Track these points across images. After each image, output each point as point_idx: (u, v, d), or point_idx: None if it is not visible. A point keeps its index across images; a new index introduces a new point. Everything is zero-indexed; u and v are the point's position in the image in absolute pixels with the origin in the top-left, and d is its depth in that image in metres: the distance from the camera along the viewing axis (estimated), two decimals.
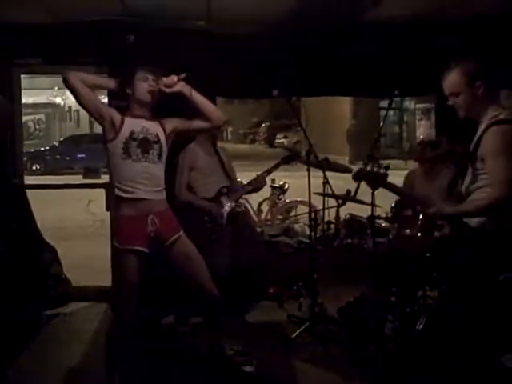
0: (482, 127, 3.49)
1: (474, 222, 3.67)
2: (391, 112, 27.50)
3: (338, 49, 5.80)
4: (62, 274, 5.94)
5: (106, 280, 5.60)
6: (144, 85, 3.88)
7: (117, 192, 3.83)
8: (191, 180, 5.32)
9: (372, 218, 4.85)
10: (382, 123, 5.00)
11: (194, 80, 5.77)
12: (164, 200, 3.98)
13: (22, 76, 6.15)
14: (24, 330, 5.02)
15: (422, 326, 4.39)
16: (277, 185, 9.07)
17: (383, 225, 5.48)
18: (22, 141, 6.43)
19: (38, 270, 5.67)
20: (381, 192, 5.03)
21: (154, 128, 3.93)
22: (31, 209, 6.02)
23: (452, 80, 3.58)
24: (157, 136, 3.90)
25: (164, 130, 3.96)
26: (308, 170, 5.08)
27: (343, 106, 25.42)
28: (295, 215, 8.00)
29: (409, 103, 27.39)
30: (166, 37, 5.68)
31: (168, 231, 3.91)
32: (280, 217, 8.76)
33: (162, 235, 3.88)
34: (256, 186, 5.40)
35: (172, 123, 4.03)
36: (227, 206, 5.26)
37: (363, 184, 4.84)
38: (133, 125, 3.84)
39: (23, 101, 6.39)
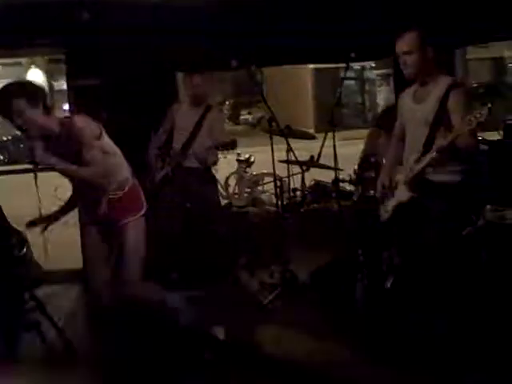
0: (439, 88, 3.87)
1: (437, 177, 3.89)
2: (353, 82, 27.59)
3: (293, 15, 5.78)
4: (32, 257, 5.91)
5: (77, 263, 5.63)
6: None
7: None
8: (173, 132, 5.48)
9: (336, 181, 4.91)
10: (339, 90, 5.01)
11: (151, 56, 5.83)
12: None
13: None
14: None
15: (389, 284, 4.50)
16: (242, 158, 9.09)
17: (348, 188, 5.56)
18: None
19: (6, 254, 5.63)
20: (343, 155, 5.12)
21: None
22: None
23: (407, 39, 3.92)
24: None
25: None
26: (271, 139, 5.11)
27: (305, 77, 25.46)
28: (262, 185, 8.02)
29: (370, 73, 27.51)
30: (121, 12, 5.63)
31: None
32: (248, 190, 8.80)
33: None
34: (197, 158, 5.39)
35: None
36: (162, 171, 5.39)
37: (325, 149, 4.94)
38: None
39: None
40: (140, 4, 5.61)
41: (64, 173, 3.66)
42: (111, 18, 5.61)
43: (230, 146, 5.20)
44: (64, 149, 3.59)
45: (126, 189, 3.82)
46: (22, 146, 23.80)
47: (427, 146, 3.88)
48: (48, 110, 3.55)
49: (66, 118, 3.71)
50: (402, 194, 4.05)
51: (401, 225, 4.19)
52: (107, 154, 3.70)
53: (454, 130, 3.66)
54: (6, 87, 3.49)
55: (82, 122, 3.59)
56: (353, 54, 4.34)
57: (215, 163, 5.51)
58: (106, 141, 3.74)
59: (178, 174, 5.42)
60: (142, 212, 3.87)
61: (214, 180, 5.74)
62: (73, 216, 4.08)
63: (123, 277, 3.78)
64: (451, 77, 4.00)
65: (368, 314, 4.52)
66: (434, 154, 3.76)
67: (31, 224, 3.92)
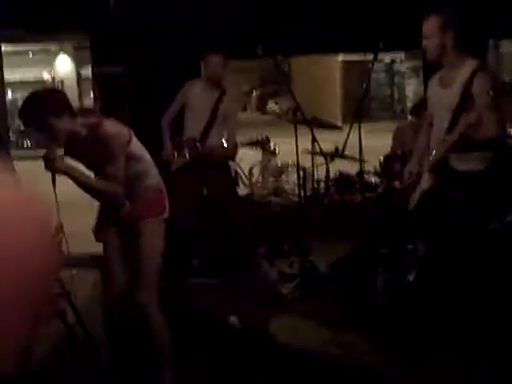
0: (464, 73, 3.78)
1: (462, 166, 3.82)
2: (382, 75, 27.35)
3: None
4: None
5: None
6: None
7: None
8: (184, 114, 5.35)
9: (361, 173, 4.84)
10: (365, 84, 4.88)
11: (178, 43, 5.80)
12: None
13: (10, 54, 6.09)
14: None
15: (412, 278, 4.42)
16: (268, 148, 9.03)
17: (372, 180, 5.49)
18: (5, 114, 6.36)
19: None
20: (369, 147, 5.04)
21: None
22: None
23: (427, 24, 3.90)
24: None
25: None
26: (295, 129, 5.05)
27: (333, 69, 25.28)
28: (286, 175, 7.96)
29: (399, 65, 27.24)
30: None
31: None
32: (272, 180, 8.74)
33: None
34: (221, 153, 5.32)
35: None
36: (181, 159, 5.28)
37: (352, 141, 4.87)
38: None
39: (12, 78, 6.36)
40: None
41: (81, 185, 3.47)
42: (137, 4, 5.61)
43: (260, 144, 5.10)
44: (87, 153, 3.47)
45: (151, 193, 3.67)
46: None
47: (450, 132, 3.79)
48: (73, 114, 3.38)
49: (94, 122, 3.45)
50: (425, 181, 3.96)
51: (424, 215, 4.12)
52: (135, 159, 3.54)
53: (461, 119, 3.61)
54: (29, 105, 3.31)
55: (113, 128, 3.40)
56: (381, 44, 4.23)
57: (235, 155, 5.45)
58: (135, 145, 3.58)
59: (195, 163, 5.32)
60: (164, 216, 3.69)
61: (229, 169, 5.62)
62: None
63: (135, 279, 3.59)
64: (476, 60, 3.87)
65: (388, 308, 4.45)
66: (454, 137, 3.67)
67: None
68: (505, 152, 4.71)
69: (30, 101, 3.32)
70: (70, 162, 3.45)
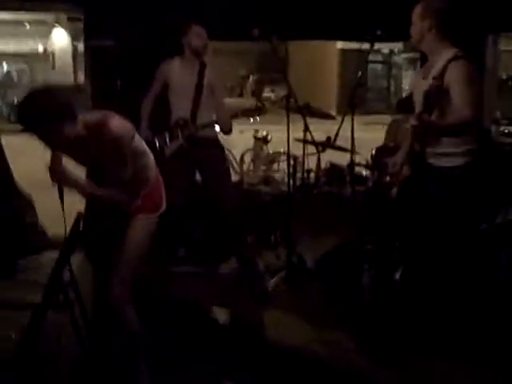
0: (441, 61, 3.76)
1: (438, 162, 3.81)
2: (379, 66, 27.24)
3: None
4: (37, 221, 5.81)
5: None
6: None
7: None
8: (168, 96, 5.14)
9: (351, 165, 4.73)
10: (360, 72, 4.79)
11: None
12: None
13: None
14: None
15: (399, 275, 4.34)
16: (260, 135, 8.89)
17: (363, 172, 5.38)
18: None
19: (12, 217, 5.53)
20: (363, 140, 4.94)
21: None
22: (5, 155, 5.87)
23: (414, 10, 3.91)
24: None
25: None
26: (287, 116, 4.91)
27: (331, 58, 25.14)
28: (277, 164, 7.84)
29: (398, 57, 27.12)
30: None
31: None
32: (263, 168, 8.62)
33: None
34: (220, 125, 5.08)
35: None
36: (175, 142, 5.08)
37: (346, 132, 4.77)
38: None
39: (7, 49, 6.21)
40: None
41: (87, 195, 3.34)
42: None
43: (257, 112, 4.94)
44: (88, 154, 3.27)
45: (150, 186, 3.54)
46: None
47: None
48: (75, 114, 3.11)
49: (97, 121, 3.21)
50: (405, 171, 3.95)
51: (406, 209, 4.08)
52: (139, 154, 3.40)
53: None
54: (28, 109, 3.00)
55: (120, 128, 3.18)
56: (379, 32, 4.11)
57: (231, 130, 5.20)
58: (138, 139, 3.43)
59: (190, 143, 5.11)
60: (158, 213, 3.57)
61: (223, 150, 5.39)
62: None
63: (115, 274, 3.46)
64: (455, 49, 3.80)
65: (374, 305, 4.37)
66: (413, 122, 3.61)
67: None
68: (488, 146, 4.65)
69: (28, 104, 3.02)
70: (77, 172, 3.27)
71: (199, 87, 5.05)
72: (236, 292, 4.81)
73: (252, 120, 5.26)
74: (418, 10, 3.88)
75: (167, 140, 5.13)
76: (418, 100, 3.86)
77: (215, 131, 5.18)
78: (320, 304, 4.56)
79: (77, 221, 3.18)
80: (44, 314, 3.18)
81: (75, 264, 4.62)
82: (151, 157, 3.59)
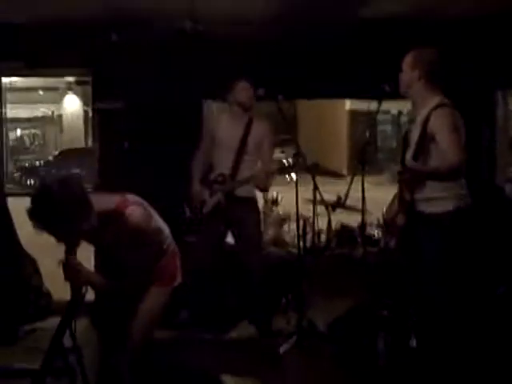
0: (426, 109, 3.79)
1: (430, 207, 3.76)
2: (389, 127, 27.35)
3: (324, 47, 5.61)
4: (42, 286, 5.70)
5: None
6: None
7: None
8: (212, 153, 5.05)
9: (362, 226, 4.62)
10: (368, 132, 4.80)
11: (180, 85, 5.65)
12: None
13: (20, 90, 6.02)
14: None
15: (415, 343, 4.17)
16: (269, 197, 8.82)
17: (375, 233, 5.25)
18: (1, 144, 6.22)
19: (18, 282, 5.44)
20: (374, 199, 4.82)
21: None
22: (11, 218, 5.81)
23: (403, 59, 3.93)
24: None
25: None
26: (296, 175, 4.82)
27: (340, 119, 25.27)
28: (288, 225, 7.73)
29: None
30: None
31: None
32: (273, 229, 8.51)
33: None
34: (256, 182, 4.95)
35: None
36: (214, 198, 4.93)
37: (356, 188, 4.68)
38: None
39: (20, 114, 6.30)
40: (169, 27, 5.45)
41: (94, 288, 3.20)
42: (139, 40, 5.47)
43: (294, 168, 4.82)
44: (104, 240, 3.17)
45: (164, 260, 3.42)
46: (53, 171, 24.00)
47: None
48: (90, 212, 2.90)
49: (115, 207, 3.06)
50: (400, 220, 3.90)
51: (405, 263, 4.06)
52: (156, 233, 3.31)
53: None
54: (43, 210, 2.78)
55: (139, 215, 3.05)
56: (386, 87, 4.05)
57: (268, 188, 5.16)
58: (156, 219, 3.35)
59: (227, 200, 4.95)
60: (173, 285, 3.47)
61: (259, 213, 5.26)
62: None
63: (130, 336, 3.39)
64: (441, 96, 3.84)
65: (389, 372, 4.18)
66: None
67: None
68: (502, 204, 4.56)
69: (43, 204, 2.78)
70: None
71: (243, 142, 4.95)
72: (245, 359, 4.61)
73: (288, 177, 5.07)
74: (408, 60, 3.91)
75: (206, 196, 5.00)
76: (411, 145, 3.88)
77: (254, 191, 5.07)
78: (333, 369, 4.38)
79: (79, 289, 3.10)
80: (43, 381, 3.07)
81: (79, 331, 4.53)
82: (167, 230, 3.48)
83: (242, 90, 4.95)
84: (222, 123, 5.07)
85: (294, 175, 5.00)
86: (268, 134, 5.05)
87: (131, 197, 3.18)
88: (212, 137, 5.06)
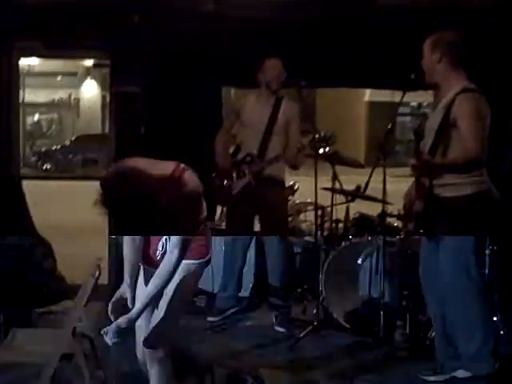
0: (450, 94, 3.66)
1: (446, 193, 3.67)
2: (407, 119, 27.12)
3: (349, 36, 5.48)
4: (55, 269, 5.66)
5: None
6: None
7: None
8: (238, 131, 4.97)
9: (383, 215, 4.53)
10: (390, 124, 4.71)
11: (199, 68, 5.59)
12: None
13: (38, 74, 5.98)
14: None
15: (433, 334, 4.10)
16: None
17: (395, 224, 5.15)
18: (18, 128, 6.19)
19: (29, 264, 5.41)
20: (393, 191, 4.72)
21: None
22: (26, 202, 5.79)
23: (424, 43, 3.80)
24: None
25: None
26: (315, 163, 4.73)
27: (359, 110, 25.13)
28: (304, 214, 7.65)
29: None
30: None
31: None
32: (289, 218, 8.44)
33: None
34: (286, 159, 4.84)
35: None
36: (243, 179, 4.80)
37: (374, 179, 4.59)
38: None
39: (38, 99, 6.25)
40: (193, 12, 5.38)
41: None
42: (161, 24, 5.41)
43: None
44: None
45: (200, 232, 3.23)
46: (70, 156, 24.09)
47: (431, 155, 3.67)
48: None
49: (171, 173, 2.91)
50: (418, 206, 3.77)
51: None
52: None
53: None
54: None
55: (195, 180, 2.95)
56: (412, 75, 3.93)
57: (299, 166, 4.94)
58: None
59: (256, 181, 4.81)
60: (205, 260, 3.28)
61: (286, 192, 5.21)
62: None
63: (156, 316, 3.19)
64: (467, 81, 3.70)
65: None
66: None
67: None
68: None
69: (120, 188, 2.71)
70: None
71: (272, 122, 4.83)
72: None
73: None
74: (427, 43, 3.79)
75: (234, 178, 4.87)
76: (427, 133, 3.79)
77: (282, 171, 4.98)
78: (349, 359, 4.35)
79: None
80: None
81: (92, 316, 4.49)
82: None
83: (271, 68, 4.81)
84: (250, 103, 4.95)
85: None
86: (297, 113, 4.94)
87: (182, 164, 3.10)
88: (238, 117, 4.96)
